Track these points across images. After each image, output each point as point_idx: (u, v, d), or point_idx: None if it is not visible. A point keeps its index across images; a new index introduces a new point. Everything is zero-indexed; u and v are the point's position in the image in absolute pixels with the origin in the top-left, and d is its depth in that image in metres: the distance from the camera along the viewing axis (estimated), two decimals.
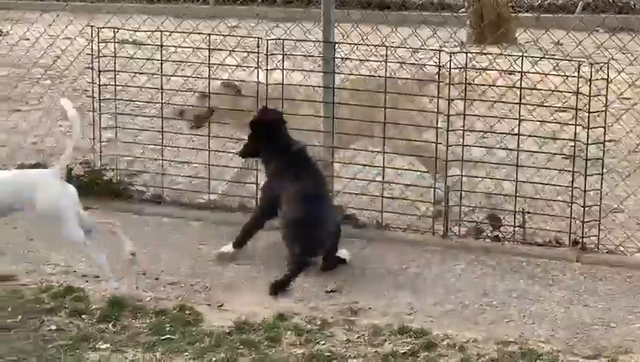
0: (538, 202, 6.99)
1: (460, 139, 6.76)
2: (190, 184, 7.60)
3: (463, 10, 13.99)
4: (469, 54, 6.78)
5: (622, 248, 6.56)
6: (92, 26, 7.39)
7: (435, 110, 6.76)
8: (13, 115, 9.71)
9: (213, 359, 5.24)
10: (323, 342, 5.43)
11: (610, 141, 8.16)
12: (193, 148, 7.81)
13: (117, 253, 5.97)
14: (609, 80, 6.45)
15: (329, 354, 5.30)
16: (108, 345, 5.35)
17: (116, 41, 7.37)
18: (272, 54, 7.06)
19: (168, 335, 5.46)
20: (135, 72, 7.75)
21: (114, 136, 7.71)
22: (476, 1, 13.37)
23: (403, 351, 5.33)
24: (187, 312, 5.70)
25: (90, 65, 7.49)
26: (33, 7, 11.24)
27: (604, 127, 6.52)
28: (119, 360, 5.23)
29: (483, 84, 6.77)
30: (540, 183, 6.91)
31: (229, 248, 6.45)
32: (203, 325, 5.60)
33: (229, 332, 5.51)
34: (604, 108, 6.46)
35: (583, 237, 6.58)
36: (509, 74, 6.96)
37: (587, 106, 6.48)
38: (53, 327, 5.53)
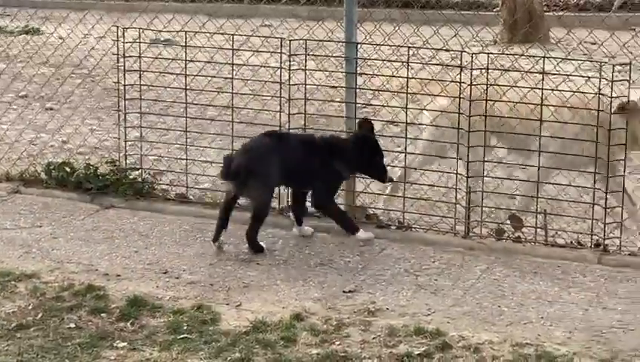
0: (560, 203, 6.97)
1: (482, 140, 6.76)
2: (214, 184, 7.65)
3: (497, 9, 13.98)
4: (491, 55, 6.75)
5: None
6: (117, 26, 7.45)
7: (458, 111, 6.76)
8: (44, 113, 9.83)
9: (229, 358, 5.28)
10: (338, 343, 5.46)
11: None
12: (217, 148, 7.84)
13: (139, 253, 6.04)
14: (631, 81, 6.41)
15: (344, 354, 5.33)
16: (125, 344, 5.41)
17: (141, 41, 7.42)
18: (294, 54, 7.08)
19: (185, 335, 5.50)
20: (160, 72, 7.81)
21: (140, 136, 7.77)
22: None
23: (418, 352, 5.34)
24: (205, 311, 5.75)
25: (117, 65, 7.56)
26: (70, 5, 11.32)
27: (626, 128, 6.48)
28: (136, 358, 5.28)
29: (503, 85, 6.74)
30: (562, 184, 6.88)
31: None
32: (220, 324, 5.64)
33: (245, 332, 5.55)
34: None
35: (604, 239, 6.55)
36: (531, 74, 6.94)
37: (610, 108, 6.45)
38: (73, 325, 5.60)
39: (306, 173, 6.59)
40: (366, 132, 6.67)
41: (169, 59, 7.87)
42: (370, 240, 6.66)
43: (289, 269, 6.35)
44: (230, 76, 7.31)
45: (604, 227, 6.54)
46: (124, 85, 7.53)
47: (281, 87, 7.13)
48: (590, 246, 6.60)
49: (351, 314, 5.78)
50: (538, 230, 6.71)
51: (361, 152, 6.59)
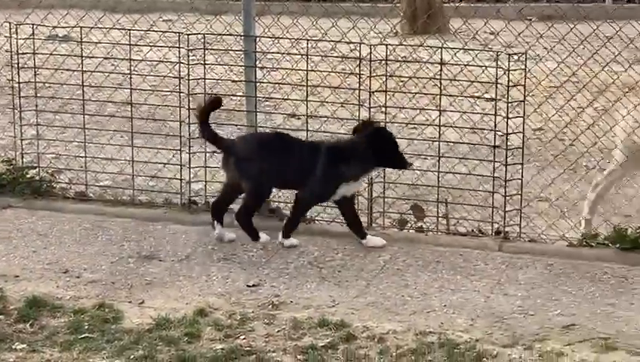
0: (461, 192, 7.04)
1: None
2: (114, 181, 7.55)
3: (396, 0, 14.04)
4: (389, 46, 6.78)
5: (543, 236, 6.62)
6: (10, 22, 7.30)
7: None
8: None
9: (132, 356, 5.23)
10: (243, 337, 5.43)
11: (538, 130, 8.30)
12: (117, 145, 7.74)
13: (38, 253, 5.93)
14: (527, 70, 6.49)
15: (248, 348, 5.31)
16: (24, 346, 5.31)
17: (35, 37, 7.28)
18: (193, 49, 7.02)
19: (87, 334, 5.43)
20: (56, 68, 7.68)
21: (37, 134, 7.63)
22: None
23: (322, 344, 5.34)
24: (107, 310, 5.68)
25: (10, 62, 7.41)
26: None
27: (523, 117, 6.56)
28: (36, 359, 5.19)
29: (403, 76, 6.78)
30: (462, 173, 6.95)
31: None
32: (122, 323, 5.58)
33: (148, 330, 5.49)
34: (531, 98, 6.50)
35: (504, 227, 6.63)
36: (431, 64, 6.98)
37: (507, 96, 6.52)
38: None
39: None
40: (372, 130, 6.48)
41: (65, 55, 7.74)
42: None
43: (192, 265, 6.30)
44: (128, 72, 7.21)
45: (504, 215, 6.62)
46: (19, 83, 7.38)
47: (180, 82, 7.06)
48: (491, 234, 6.67)
49: (255, 308, 5.76)
50: (440, 219, 6.76)
51: (380, 148, 6.43)
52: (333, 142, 6.60)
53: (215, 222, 6.57)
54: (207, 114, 6.44)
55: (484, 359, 5.21)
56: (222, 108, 6.55)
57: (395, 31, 10.91)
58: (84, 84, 7.32)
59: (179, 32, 7.08)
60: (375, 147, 6.41)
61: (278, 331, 5.49)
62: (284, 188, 6.79)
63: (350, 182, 6.46)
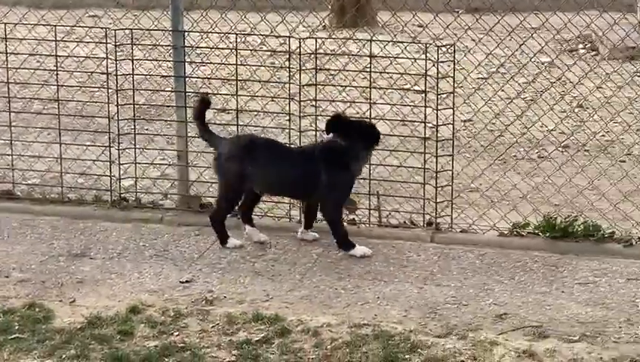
0: (393, 184, 7.05)
1: (313, 125, 6.78)
2: (42, 179, 7.44)
3: None
4: (318, 40, 6.77)
5: (474, 227, 6.66)
6: None
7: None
8: None
9: (63, 356, 5.16)
10: (177, 334, 5.39)
11: (468, 121, 8.36)
12: (45, 143, 7.63)
13: None
14: (455, 61, 6.52)
15: (182, 344, 5.27)
16: None
17: None
18: (120, 44, 6.95)
19: (17, 334, 5.35)
20: None
21: None
22: None
23: (257, 339, 5.33)
24: (37, 310, 5.60)
25: None
26: None
27: (453, 109, 6.60)
28: None
29: (333, 69, 6.78)
30: (393, 166, 6.96)
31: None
32: (54, 322, 5.50)
33: (80, 328, 5.43)
34: (460, 90, 6.53)
35: (436, 218, 6.67)
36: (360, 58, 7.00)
37: (437, 88, 6.55)
38: None
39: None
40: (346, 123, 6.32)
41: None
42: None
43: (123, 262, 6.24)
44: (55, 68, 7.11)
45: (436, 206, 6.65)
46: None
47: (108, 78, 6.98)
48: (423, 226, 6.70)
49: (188, 304, 5.72)
50: (372, 212, 6.77)
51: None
52: (326, 145, 6.33)
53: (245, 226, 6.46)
54: (201, 114, 6.36)
55: (419, 350, 5.23)
56: (151, 103, 6.50)
57: (324, 24, 10.92)
58: (10, 81, 7.20)
59: (105, 28, 7.00)
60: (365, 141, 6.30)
61: (212, 327, 5.46)
62: (273, 194, 6.63)
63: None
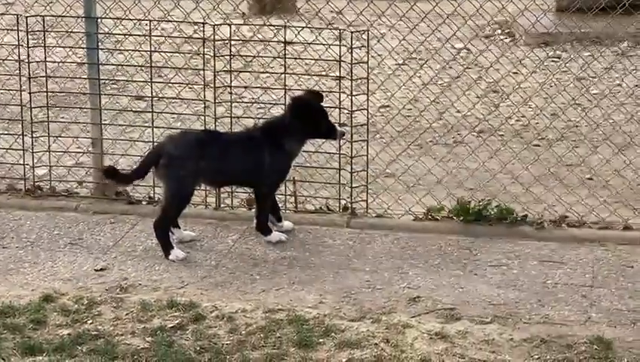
0: (308, 170, 7.08)
1: (228, 112, 6.78)
2: None
3: None
4: (233, 26, 6.76)
5: (390, 211, 6.72)
6: None
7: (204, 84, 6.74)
8: None
9: None
10: (90, 322, 5.37)
11: (385, 107, 8.41)
12: None
13: None
14: (369, 47, 6.56)
15: (96, 332, 5.25)
16: None
17: None
18: (32, 31, 6.87)
19: None
20: None
21: None
22: None
23: (171, 325, 5.32)
24: None
25: None
26: None
27: (367, 94, 6.64)
28: None
29: (248, 55, 6.78)
30: (309, 151, 6.97)
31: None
32: None
33: None
34: (375, 77, 6.57)
35: (352, 203, 6.71)
36: (277, 43, 7.00)
37: (351, 74, 6.59)
38: None
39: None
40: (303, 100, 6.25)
41: None
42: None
43: (37, 251, 6.19)
44: None
45: (351, 191, 6.70)
46: None
47: (20, 66, 6.90)
48: (339, 211, 6.74)
49: (103, 292, 5.69)
50: (288, 197, 6.80)
51: (304, 122, 6.19)
52: (263, 125, 6.30)
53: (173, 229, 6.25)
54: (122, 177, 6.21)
55: (332, 333, 5.26)
56: (66, 91, 6.43)
57: (242, 12, 10.89)
58: None
59: (17, 14, 6.91)
60: (302, 119, 6.18)
61: (127, 314, 5.45)
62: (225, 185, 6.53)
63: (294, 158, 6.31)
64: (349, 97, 6.62)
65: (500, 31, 11.13)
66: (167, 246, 6.11)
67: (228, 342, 5.19)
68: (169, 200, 6.13)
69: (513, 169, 7.14)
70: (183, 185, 6.12)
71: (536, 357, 5.15)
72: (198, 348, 5.12)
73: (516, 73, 8.25)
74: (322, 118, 6.25)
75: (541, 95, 8.39)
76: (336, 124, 6.35)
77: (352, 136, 6.66)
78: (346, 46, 6.53)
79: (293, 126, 6.19)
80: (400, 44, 7.23)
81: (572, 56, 9.49)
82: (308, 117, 6.20)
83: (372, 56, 6.75)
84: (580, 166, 7.42)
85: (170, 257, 6.08)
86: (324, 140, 6.68)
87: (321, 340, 5.21)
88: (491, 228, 6.50)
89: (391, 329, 5.32)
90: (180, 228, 6.28)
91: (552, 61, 9.78)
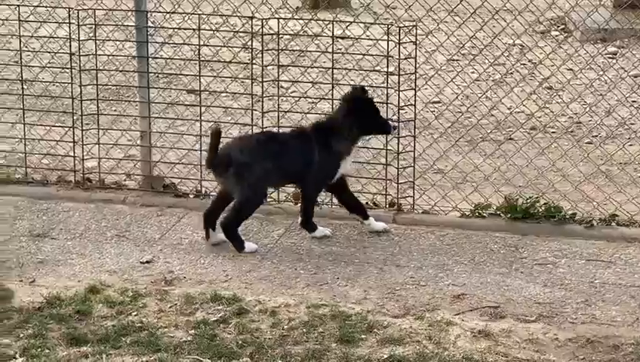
0: (356, 165, 7.05)
1: (276, 105, 6.79)
2: (6, 159, 7.42)
3: None
4: (281, 20, 6.77)
5: (436, 208, 6.69)
6: None
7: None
8: None
9: (21, 335, 5.17)
10: (135, 314, 5.40)
11: (436, 103, 8.37)
12: (10, 123, 7.60)
13: None
14: (417, 42, 6.53)
15: (140, 324, 5.28)
16: None
17: None
18: (84, 25, 6.93)
19: None
20: None
21: None
22: None
23: (215, 319, 5.35)
24: None
25: None
26: None
27: (414, 89, 6.61)
28: None
29: (294, 50, 6.78)
30: (357, 147, 6.94)
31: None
32: (12, 301, 5.51)
33: (39, 308, 5.44)
34: (422, 71, 6.53)
35: (398, 199, 6.69)
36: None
37: (398, 69, 6.56)
38: None
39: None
40: (352, 97, 6.25)
41: None
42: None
43: (85, 243, 6.25)
44: (18, 49, 7.09)
45: (398, 187, 6.67)
46: None
47: (71, 59, 6.97)
48: (385, 206, 6.72)
49: (148, 284, 5.73)
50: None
51: (359, 119, 6.21)
52: (314, 124, 6.32)
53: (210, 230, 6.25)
54: (215, 148, 6.12)
55: (375, 330, 5.25)
56: (114, 84, 6.47)
57: (296, 6, 10.90)
58: None
59: (69, 8, 6.98)
60: (356, 115, 6.20)
61: (171, 307, 5.48)
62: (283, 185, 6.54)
63: (345, 157, 6.30)
64: (397, 92, 6.59)
65: (555, 27, 11.03)
66: (240, 243, 6.14)
67: (270, 337, 5.20)
68: (243, 204, 6.14)
69: (563, 167, 7.08)
70: (256, 190, 6.14)
71: (582, 357, 5.10)
72: (240, 342, 5.14)
73: (570, 70, 8.17)
74: (376, 113, 6.25)
75: (595, 93, 8.30)
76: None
77: (398, 130, 6.62)
78: (393, 41, 6.50)
79: (344, 125, 6.20)
80: (448, 39, 7.18)
81: (626, 53, 9.37)
82: (362, 113, 6.20)
83: (422, 52, 6.70)
84: (631, 164, 7.33)
85: (246, 250, 6.11)
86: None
87: (363, 336, 5.20)
88: (539, 226, 6.45)
89: (434, 327, 5.30)
90: (215, 230, 6.25)
91: (609, 58, 9.67)
